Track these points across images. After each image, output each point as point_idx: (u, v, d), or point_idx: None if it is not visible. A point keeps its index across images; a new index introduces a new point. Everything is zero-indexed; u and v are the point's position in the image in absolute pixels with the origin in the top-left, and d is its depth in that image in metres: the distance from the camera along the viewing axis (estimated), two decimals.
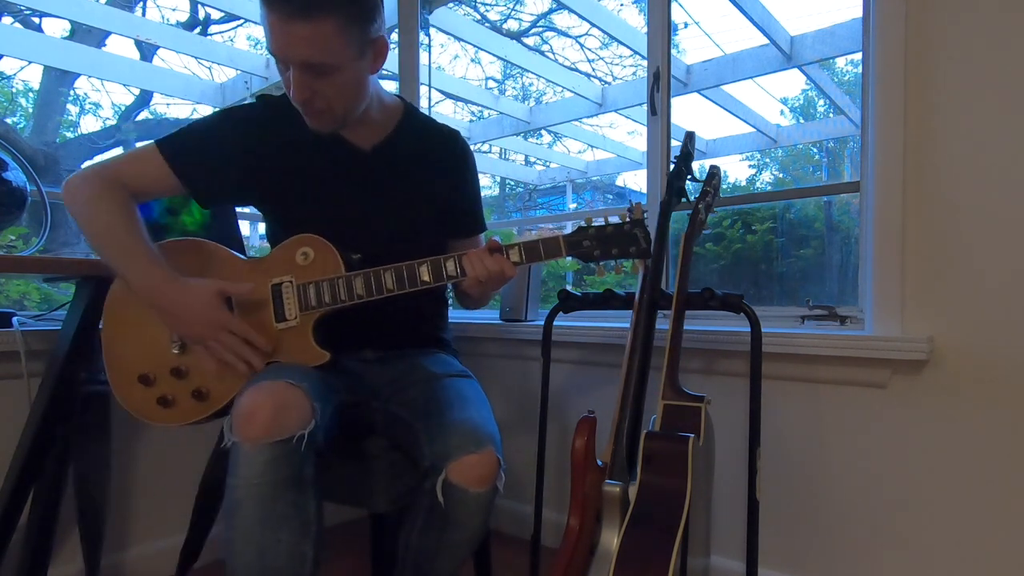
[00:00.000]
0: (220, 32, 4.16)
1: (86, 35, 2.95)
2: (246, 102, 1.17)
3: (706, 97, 2.99)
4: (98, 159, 1.07)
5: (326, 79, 0.96)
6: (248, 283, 1.01)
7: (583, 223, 1.01)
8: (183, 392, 0.99)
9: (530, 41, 5.22)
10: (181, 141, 1.06)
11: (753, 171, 4.31)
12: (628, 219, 1.00)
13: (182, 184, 1.06)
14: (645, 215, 1.12)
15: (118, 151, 3.63)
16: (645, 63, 1.66)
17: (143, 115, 3.83)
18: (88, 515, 1.31)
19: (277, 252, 1.06)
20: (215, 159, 1.07)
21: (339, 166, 1.11)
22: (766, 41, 2.53)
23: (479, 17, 4.85)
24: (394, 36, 2.17)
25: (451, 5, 2.39)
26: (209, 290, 0.97)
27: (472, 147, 1.30)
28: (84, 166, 1.04)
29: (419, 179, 1.15)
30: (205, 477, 1.26)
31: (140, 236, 1.00)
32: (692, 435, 0.99)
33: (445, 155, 1.19)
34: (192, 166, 1.06)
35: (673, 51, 1.63)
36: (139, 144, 1.06)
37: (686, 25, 3.80)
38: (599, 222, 1.01)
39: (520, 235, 3.42)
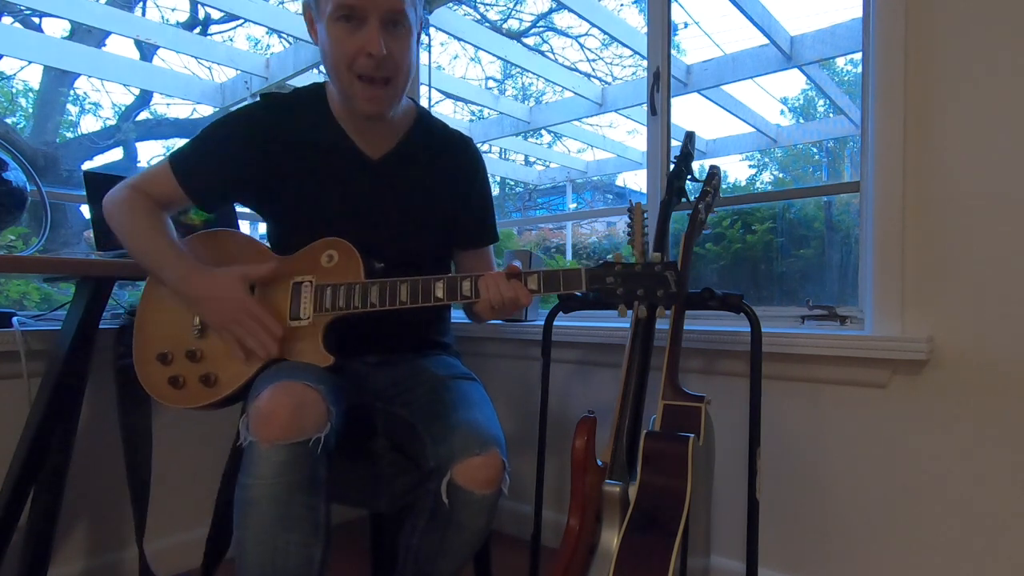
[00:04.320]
0: (220, 32, 4.16)
1: (86, 35, 2.95)
2: (247, 103, 1.16)
3: (706, 97, 2.98)
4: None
5: (400, 40, 0.99)
6: (268, 263, 1.03)
7: (611, 258, 0.95)
8: (193, 375, 1.00)
9: (530, 41, 5.21)
10: (189, 157, 1.08)
11: (753, 171, 4.30)
12: (660, 260, 0.92)
13: (190, 200, 1.09)
14: (645, 215, 1.12)
15: (118, 151, 3.63)
16: (645, 63, 1.66)
17: (143, 115, 3.82)
18: (136, 480, 1.36)
19: (305, 252, 1.06)
20: (216, 170, 1.08)
21: (344, 173, 1.09)
22: (766, 41, 2.52)
23: (479, 17, 4.85)
24: None
25: (451, 5, 2.39)
26: (233, 276, 1.00)
27: None
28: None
29: (425, 190, 1.14)
30: (227, 473, 1.27)
31: (165, 235, 1.04)
32: (692, 435, 0.99)
33: (454, 164, 1.17)
34: (197, 183, 1.08)
35: (673, 51, 1.63)
36: (154, 160, 1.10)
37: (686, 25, 3.81)
38: (628, 261, 0.94)
39: (520, 235, 3.42)
